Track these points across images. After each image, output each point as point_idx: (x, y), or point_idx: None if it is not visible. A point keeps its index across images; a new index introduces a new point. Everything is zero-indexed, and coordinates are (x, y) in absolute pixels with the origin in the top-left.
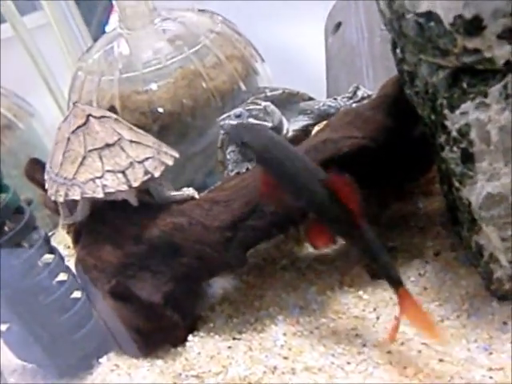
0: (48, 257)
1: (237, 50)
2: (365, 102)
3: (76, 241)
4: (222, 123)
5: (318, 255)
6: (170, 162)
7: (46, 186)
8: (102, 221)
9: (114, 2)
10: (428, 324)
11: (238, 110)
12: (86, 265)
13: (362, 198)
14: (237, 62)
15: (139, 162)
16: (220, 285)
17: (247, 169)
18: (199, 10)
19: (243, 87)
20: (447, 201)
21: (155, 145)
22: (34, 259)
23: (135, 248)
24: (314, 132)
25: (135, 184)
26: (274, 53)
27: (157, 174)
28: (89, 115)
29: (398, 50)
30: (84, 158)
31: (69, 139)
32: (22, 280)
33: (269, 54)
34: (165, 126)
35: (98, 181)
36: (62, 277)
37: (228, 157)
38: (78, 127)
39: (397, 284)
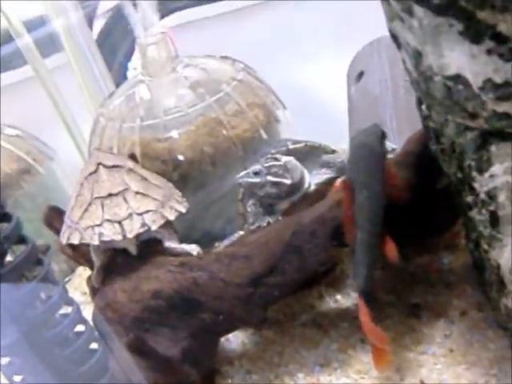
0: (66, 308)
1: (258, 97)
2: (389, 156)
3: (93, 292)
4: (240, 181)
5: (339, 311)
6: (172, 217)
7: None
8: (119, 273)
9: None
10: (379, 340)
11: (256, 168)
12: (103, 317)
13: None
14: (258, 110)
15: (138, 214)
16: (239, 339)
17: (268, 223)
18: (221, 57)
19: (264, 135)
20: (474, 259)
21: (163, 198)
22: (51, 310)
23: (153, 302)
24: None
25: (130, 235)
26: (294, 95)
27: (154, 228)
28: (99, 163)
29: (423, 107)
30: (89, 204)
31: (82, 184)
32: (38, 331)
33: (289, 97)
34: (185, 173)
35: (96, 228)
36: (80, 328)
37: (248, 209)
38: (90, 174)
39: (360, 293)
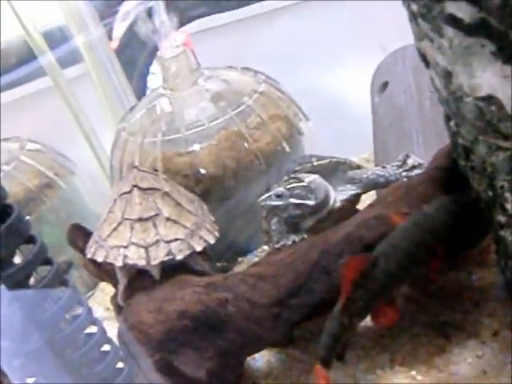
0: (91, 328)
1: (280, 109)
2: (416, 171)
3: (118, 311)
4: (262, 204)
5: (365, 330)
6: (199, 248)
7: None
8: (145, 294)
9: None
10: None
11: (279, 190)
12: (129, 338)
13: None
14: (280, 122)
15: (166, 242)
16: (264, 358)
17: (293, 241)
18: (242, 68)
19: (287, 148)
20: (505, 276)
21: (194, 226)
22: (77, 330)
23: (179, 322)
24: (363, 206)
25: (154, 262)
26: (315, 103)
27: (179, 257)
28: (135, 186)
29: (452, 123)
30: (119, 224)
31: (115, 201)
32: (63, 351)
33: (309, 105)
34: (207, 188)
35: (121, 250)
36: (106, 347)
37: (273, 227)
38: (124, 193)
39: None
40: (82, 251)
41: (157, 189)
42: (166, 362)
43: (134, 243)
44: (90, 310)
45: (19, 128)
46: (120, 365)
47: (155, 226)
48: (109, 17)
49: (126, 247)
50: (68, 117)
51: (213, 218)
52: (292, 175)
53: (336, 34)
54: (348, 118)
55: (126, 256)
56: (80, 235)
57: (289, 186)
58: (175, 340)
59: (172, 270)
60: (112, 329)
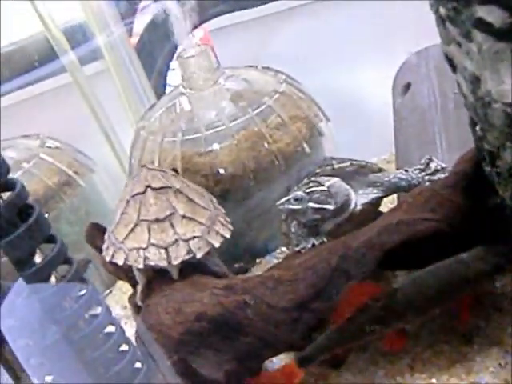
0: (110, 328)
1: (300, 110)
2: (438, 175)
3: (137, 311)
4: (281, 207)
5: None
6: (217, 244)
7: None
8: (163, 295)
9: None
10: None
11: (298, 194)
12: (146, 338)
13: None
14: (301, 123)
15: (184, 241)
16: (282, 361)
17: (313, 244)
18: (263, 68)
19: (307, 149)
20: None
21: (209, 221)
22: (97, 330)
23: (197, 324)
24: (385, 209)
25: (175, 262)
26: (335, 103)
27: (199, 255)
28: (148, 186)
29: (477, 128)
30: (135, 225)
31: (128, 202)
32: (83, 351)
33: (329, 105)
34: (226, 188)
35: (141, 252)
36: (124, 347)
37: (293, 230)
38: (137, 194)
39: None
40: (101, 250)
41: (169, 187)
42: (184, 363)
43: (153, 244)
44: (108, 310)
45: (38, 125)
46: (138, 365)
47: (172, 225)
48: (131, 16)
49: (145, 249)
50: (87, 114)
51: (223, 210)
52: (312, 178)
53: (358, 33)
54: (368, 119)
55: (146, 258)
56: (99, 234)
57: (308, 190)
58: (193, 342)
59: (191, 269)
60: (129, 328)
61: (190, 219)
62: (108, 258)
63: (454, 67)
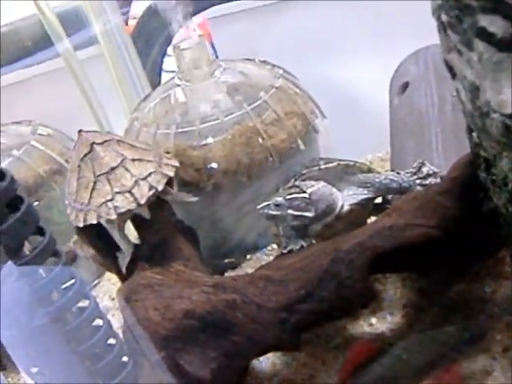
0: (98, 321)
1: (296, 105)
2: (430, 180)
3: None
4: (261, 212)
5: (373, 335)
6: (172, 173)
7: (68, 213)
8: (152, 290)
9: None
10: None
11: (278, 200)
12: (134, 333)
13: None
14: (296, 119)
15: (143, 179)
16: (269, 360)
17: (301, 246)
18: (260, 61)
19: (302, 146)
20: None
21: (156, 158)
22: (84, 324)
23: (185, 321)
24: (376, 214)
25: (142, 201)
26: (330, 99)
27: (160, 188)
28: (92, 143)
29: (474, 134)
30: (94, 183)
31: (79, 167)
32: (70, 345)
33: (324, 100)
34: (218, 183)
35: (109, 203)
36: (111, 341)
37: (281, 232)
38: (85, 155)
39: None
40: (90, 241)
41: (110, 139)
42: (171, 359)
43: (117, 192)
44: (96, 303)
45: (29, 110)
46: (125, 358)
47: (127, 169)
48: (128, 5)
49: (112, 200)
50: (80, 101)
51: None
52: (296, 183)
53: (356, 29)
54: (364, 116)
55: (116, 207)
56: (88, 226)
57: (289, 197)
58: (181, 338)
59: (158, 209)
60: (117, 319)
61: (140, 160)
62: (80, 224)
63: (453, 75)
